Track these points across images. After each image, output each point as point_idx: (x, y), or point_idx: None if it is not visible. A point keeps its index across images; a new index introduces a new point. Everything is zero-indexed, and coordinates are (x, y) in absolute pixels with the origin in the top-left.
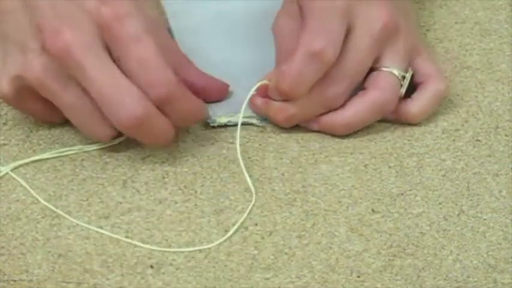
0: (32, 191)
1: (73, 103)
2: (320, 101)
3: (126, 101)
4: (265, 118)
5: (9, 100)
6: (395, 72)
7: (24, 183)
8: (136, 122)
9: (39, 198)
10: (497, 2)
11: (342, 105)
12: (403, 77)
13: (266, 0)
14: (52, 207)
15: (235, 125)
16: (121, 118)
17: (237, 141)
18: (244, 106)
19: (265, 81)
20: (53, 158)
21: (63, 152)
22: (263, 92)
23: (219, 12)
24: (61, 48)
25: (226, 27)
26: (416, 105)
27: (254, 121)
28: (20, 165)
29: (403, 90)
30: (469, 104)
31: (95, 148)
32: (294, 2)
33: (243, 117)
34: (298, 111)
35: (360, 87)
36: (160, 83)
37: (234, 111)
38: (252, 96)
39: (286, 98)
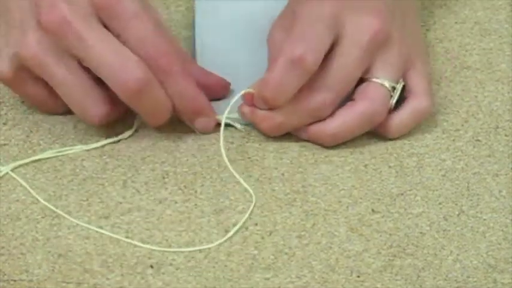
0: (32, 191)
1: (67, 78)
2: (306, 110)
3: (127, 66)
4: (248, 123)
5: (10, 82)
6: (386, 83)
7: (24, 183)
8: (138, 85)
9: (39, 198)
10: (497, 2)
11: (330, 116)
12: (394, 88)
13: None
14: (52, 207)
15: (227, 125)
16: (122, 82)
17: (221, 144)
18: (226, 111)
19: (249, 90)
20: (53, 157)
21: (63, 151)
22: (250, 101)
23: (245, 11)
24: (58, 21)
25: (252, 27)
26: (395, 121)
27: (237, 125)
28: (20, 165)
29: (393, 101)
30: (469, 104)
31: (95, 147)
32: (290, 14)
33: (227, 118)
34: (284, 120)
35: (349, 98)
36: (159, 55)
37: (229, 112)
38: (240, 105)
39: (269, 106)
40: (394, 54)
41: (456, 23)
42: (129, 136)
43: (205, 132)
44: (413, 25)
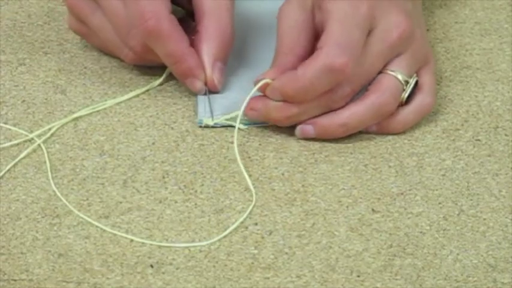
0: (49, 173)
1: (99, 26)
2: (323, 102)
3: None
4: (250, 123)
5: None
6: (399, 76)
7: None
8: (148, 29)
9: (52, 183)
10: (497, 2)
11: (341, 107)
12: (407, 82)
13: None
14: (59, 195)
15: (223, 126)
16: (134, 32)
17: (235, 143)
18: (244, 105)
19: (267, 80)
20: (88, 114)
21: (97, 107)
22: (262, 90)
23: (244, 11)
24: None
25: (254, 27)
26: (401, 113)
27: (241, 125)
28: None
29: (405, 95)
30: (469, 104)
31: (125, 98)
32: None
33: (227, 120)
34: (299, 111)
35: (364, 89)
36: (147, 17)
37: (224, 111)
38: (251, 100)
39: (287, 100)
40: (413, 51)
41: (456, 23)
42: (158, 85)
43: (194, 91)
44: (423, 25)
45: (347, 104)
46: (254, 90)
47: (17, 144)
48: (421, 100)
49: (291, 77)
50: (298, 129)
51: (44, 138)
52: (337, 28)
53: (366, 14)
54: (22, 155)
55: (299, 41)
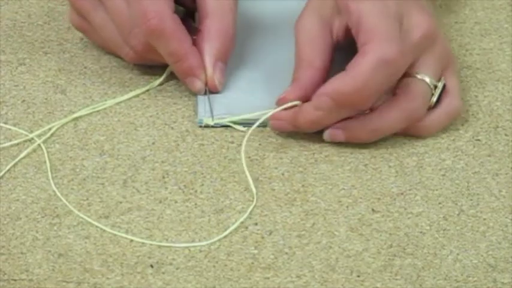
0: (49, 173)
1: (101, 23)
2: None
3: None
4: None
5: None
6: (427, 80)
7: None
8: (151, 28)
9: (52, 182)
10: (497, 2)
11: (370, 111)
12: (435, 86)
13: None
14: (59, 195)
15: (222, 126)
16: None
17: (243, 148)
18: (260, 120)
19: (296, 102)
20: (88, 114)
21: (97, 107)
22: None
23: (246, 11)
24: None
25: (255, 27)
26: (429, 120)
27: (238, 127)
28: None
29: (434, 99)
30: (469, 104)
31: (125, 98)
32: (328, 5)
33: (233, 122)
34: (328, 114)
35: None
36: (150, 17)
37: (224, 111)
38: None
39: (340, 105)
40: (437, 52)
41: (456, 22)
42: (158, 84)
43: (194, 91)
44: (440, 28)
45: (375, 108)
46: (279, 109)
47: (17, 144)
48: (448, 103)
49: (343, 79)
50: (327, 133)
51: (44, 138)
52: (377, 22)
53: (395, 10)
54: (22, 155)
55: (318, 53)
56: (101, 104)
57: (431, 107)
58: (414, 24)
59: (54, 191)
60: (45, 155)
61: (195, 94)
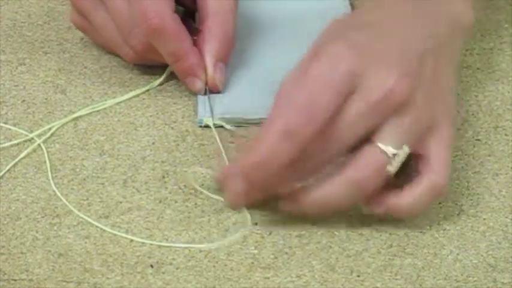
0: (49, 173)
1: (102, 23)
2: (297, 171)
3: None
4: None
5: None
6: (384, 147)
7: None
8: (152, 27)
9: (52, 182)
10: (497, 2)
11: (316, 183)
12: (394, 155)
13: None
14: (59, 195)
15: (221, 126)
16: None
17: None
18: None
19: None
20: (88, 114)
21: (97, 107)
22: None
23: (246, 11)
24: None
25: (255, 27)
26: (406, 197)
27: (228, 126)
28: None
29: (391, 169)
30: (469, 104)
31: (125, 98)
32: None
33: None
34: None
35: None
36: (151, 16)
37: (224, 111)
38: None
39: (254, 179)
40: (410, 119)
41: None
42: (158, 84)
43: (194, 90)
44: (446, 78)
45: (320, 178)
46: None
47: (17, 144)
48: (427, 179)
49: (251, 152)
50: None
51: (44, 138)
52: (305, 88)
53: (345, 70)
54: (22, 155)
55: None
56: (101, 104)
57: (390, 177)
58: (374, 85)
59: (54, 191)
60: (45, 155)
61: (195, 94)
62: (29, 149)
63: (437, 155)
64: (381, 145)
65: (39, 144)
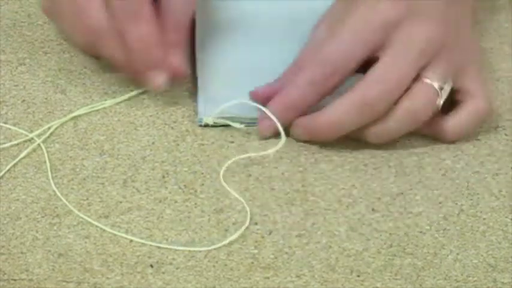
0: (49, 173)
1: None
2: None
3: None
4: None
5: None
6: (434, 83)
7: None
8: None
9: (51, 183)
10: (497, 1)
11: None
12: (441, 89)
13: (297, 2)
14: (59, 194)
15: (222, 125)
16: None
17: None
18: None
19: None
20: (87, 113)
21: (96, 106)
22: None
23: (246, 10)
24: None
25: (253, 27)
26: (452, 122)
27: (236, 124)
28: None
29: (440, 101)
30: None
31: (123, 99)
32: (341, 10)
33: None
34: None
35: None
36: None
37: (224, 110)
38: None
39: (313, 138)
40: (446, 61)
41: None
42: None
43: (154, 88)
44: (466, 31)
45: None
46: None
47: (17, 144)
48: (471, 104)
49: (316, 117)
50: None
51: (43, 137)
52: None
53: (380, 22)
54: (22, 155)
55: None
56: (101, 103)
57: (439, 109)
58: (415, 35)
59: (54, 191)
60: (45, 154)
61: (195, 93)
62: (29, 149)
63: (475, 84)
64: (428, 81)
65: (38, 144)
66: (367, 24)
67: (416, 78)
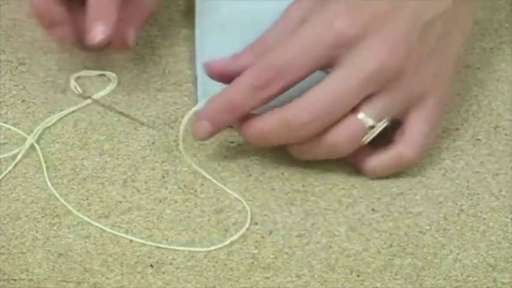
0: (45, 173)
1: None
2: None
3: None
4: None
5: None
6: (366, 120)
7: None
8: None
9: (48, 182)
10: (497, 1)
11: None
12: (372, 127)
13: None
14: (57, 195)
15: None
16: None
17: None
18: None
19: None
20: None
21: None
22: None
23: (246, 11)
24: None
25: (253, 27)
26: (373, 162)
27: None
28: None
29: (368, 139)
30: (469, 103)
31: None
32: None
33: None
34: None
35: None
36: None
37: None
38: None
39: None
40: (393, 96)
41: None
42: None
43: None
44: (452, 44)
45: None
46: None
47: (16, 144)
48: (398, 150)
49: (249, 123)
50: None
51: (35, 137)
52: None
53: (332, 39)
54: (19, 157)
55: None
56: (100, 103)
57: (364, 145)
58: (366, 58)
59: (54, 191)
60: (40, 156)
61: (195, 93)
62: (23, 151)
63: (414, 127)
64: (361, 117)
65: (35, 145)
66: (320, 39)
67: (354, 108)
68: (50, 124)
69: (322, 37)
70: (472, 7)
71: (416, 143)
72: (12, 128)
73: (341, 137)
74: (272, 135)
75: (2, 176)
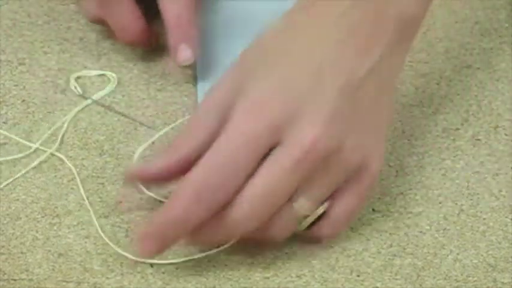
0: (76, 176)
1: None
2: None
3: None
4: None
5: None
6: (301, 211)
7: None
8: None
9: (80, 185)
10: (497, 1)
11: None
12: (306, 217)
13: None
14: (59, 195)
15: None
16: None
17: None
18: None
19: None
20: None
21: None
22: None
23: (246, 10)
24: None
25: (253, 27)
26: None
27: None
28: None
29: (302, 228)
30: (469, 103)
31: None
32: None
33: None
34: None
35: None
36: None
37: None
38: None
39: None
40: (334, 173)
41: (456, 22)
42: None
43: (180, 61)
44: (388, 93)
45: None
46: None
47: (17, 143)
48: (316, 230)
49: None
50: None
51: (54, 147)
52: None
53: (263, 127)
54: (20, 158)
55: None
56: (100, 103)
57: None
58: (297, 139)
59: (54, 191)
60: (40, 156)
61: (195, 93)
62: (27, 155)
63: (341, 207)
64: (296, 206)
65: (39, 149)
66: (254, 128)
67: (289, 199)
68: (53, 129)
69: (255, 126)
70: (404, 49)
71: (336, 223)
72: (13, 136)
73: (276, 231)
74: (212, 237)
75: (10, 181)
